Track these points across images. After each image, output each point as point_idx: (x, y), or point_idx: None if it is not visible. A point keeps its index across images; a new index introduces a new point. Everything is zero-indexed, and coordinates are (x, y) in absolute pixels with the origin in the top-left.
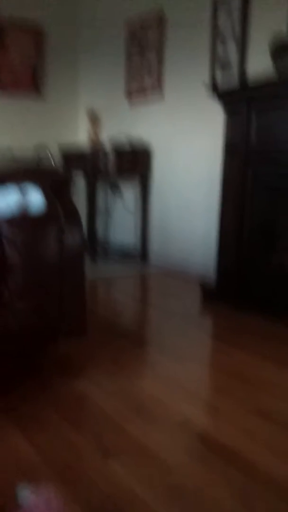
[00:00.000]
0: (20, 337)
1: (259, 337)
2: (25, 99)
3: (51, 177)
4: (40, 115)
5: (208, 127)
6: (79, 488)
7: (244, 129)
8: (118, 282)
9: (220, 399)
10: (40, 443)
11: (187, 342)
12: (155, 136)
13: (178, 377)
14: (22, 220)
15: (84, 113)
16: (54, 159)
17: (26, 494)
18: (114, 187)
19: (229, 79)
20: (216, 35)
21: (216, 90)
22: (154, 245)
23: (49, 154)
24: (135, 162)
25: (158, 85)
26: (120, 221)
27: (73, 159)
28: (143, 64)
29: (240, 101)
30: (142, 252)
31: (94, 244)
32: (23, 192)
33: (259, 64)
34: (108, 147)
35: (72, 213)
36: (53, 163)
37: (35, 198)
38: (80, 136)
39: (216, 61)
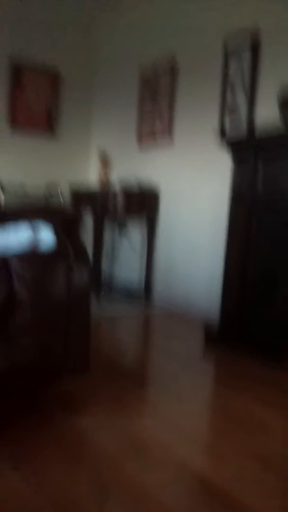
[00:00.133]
0: (24, 372)
1: (260, 382)
2: (39, 138)
3: (62, 216)
4: (52, 154)
5: (216, 173)
6: None
7: (251, 177)
8: (121, 321)
9: (219, 443)
10: (38, 482)
11: (189, 384)
12: (163, 180)
13: (179, 419)
14: (32, 256)
15: (95, 154)
16: (64, 197)
17: None
18: (121, 227)
19: (238, 127)
20: (226, 83)
21: (225, 137)
22: (159, 285)
23: (60, 192)
24: (143, 203)
25: (168, 130)
26: (125, 261)
27: (83, 198)
28: (155, 108)
29: (248, 150)
30: (146, 292)
31: (99, 282)
32: (34, 229)
33: (268, 113)
34: (117, 188)
35: (81, 252)
36: (63, 201)
37: (46, 236)
38: (90, 176)
39: (225, 109)
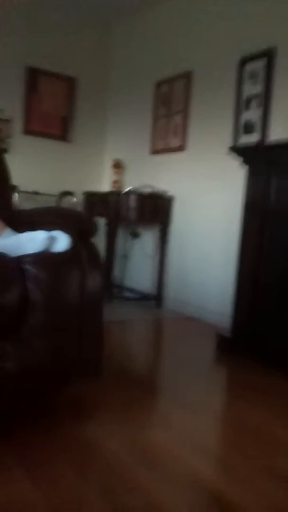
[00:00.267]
0: (36, 375)
1: (273, 393)
2: (53, 145)
3: (78, 221)
4: (66, 159)
5: (228, 181)
6: None
7: (264, 188)
8: (133, 326)
9: (232, 456)
10: (46, 490)
11: (201, 394)
12: (176, 187)
13: (190, 429)
14: (47, 259)
15: (109, 160)
16: (78, 202)
17: None
18: (134, 233)
19: (252, 141)
20: (240, 98)
21: (239, 151)
22: (171, 292)
23: (74, 199)
24: (156, 210)
25: (181, 139)
26: (138, 266)
27: (96, 203)
28: (169, 117)
29: (261, 162)
30: (158, 298)
31: (111, 287)
32: (50, 233)
33: (282, 127)
34: (131, 196)
35: (94, 257)
36: (76, 206)
37: (62, 240)
38: (104, 184)
39: (239, 123)
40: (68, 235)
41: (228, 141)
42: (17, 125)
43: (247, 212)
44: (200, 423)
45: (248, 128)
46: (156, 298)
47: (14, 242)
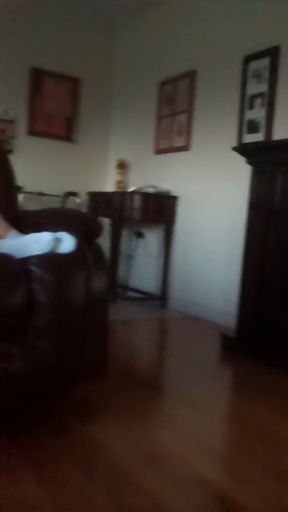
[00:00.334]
0: (41, 377)
1: (279, 393)
2: (57, 145)
3: (83, 222)
4: (71, 160)
5: (233, 185)
6: None
7: (269, 188)
8: (137, 326)
9: (237, 456)
10: (52, 491)
11: (206, 394)
12: (180, 187)
13: (196, 430)
14: (52, 260)
15: (113, 160)
16: (82, 204)
17: None
18: (138, 234)
19: (256, 140)
20: (244, 97)
21: (243, 151)
22: (175, 291)
23: (78, 200)
24: (160, 212)
25: (186, 139)
26: (142, 266)
27: (100, 203)
28: (173, 117)
29: (266, 162)
30: (162, 298)
31: (115, 287)
32: (55, 234)
33: (286, 126)
34: (135, 196)
35: (99, 258)
36: (81, 206)
37: (67, 241)
38: (108, 184)
39: (244, 122)
40: (73, 236)
41: (232, 141)
42: (22, 126)
43: (252, 212)
44: (206, 423)
45: (252, 127)
46: (160, 298)
47: (20, 243)
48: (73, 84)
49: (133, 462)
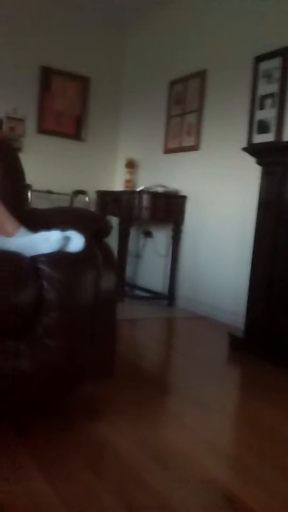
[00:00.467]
0: (49, 375)
1: (287, 393)
2: (67, 144)
3: (93, 221)
4: (79, 160)
5: (242, 185)
6: None
7: (279, 187)
8: (145, 325)
9: (245, 455)
10: (59, 489)
11: (214, 393)
12: (189, 186)
13: (203, 429)
14: (61, 259)
15: (122, 161)
16: (91, 203)
17: None
18: (147, 233)
19: (266, 141)
20: (254, 97)
21: (253, 151)
22: (183, 291)
23: (87, 198)
24: (169, 211)
25: (195, 139)
26: (150, 265)
27: (109, 202)
28: (182, 117)
29: (276, 162)
30: (170, 297)
31: (123, 285)
32: (65, 233)
33: None
34: (143, 195)
35: (108, 257)
36: (89, 205)
37: (76, 240)
38: (116, 183)
39: (254, 122)
40: (82, 235)
41: (242, 141)
42: (31, 124)
43: (261, 212)
44: (213, 423)
45: (263, 128)
46: (168, 297)
47: (29, 241)
48: (83, 82)
49: (140, 460)
